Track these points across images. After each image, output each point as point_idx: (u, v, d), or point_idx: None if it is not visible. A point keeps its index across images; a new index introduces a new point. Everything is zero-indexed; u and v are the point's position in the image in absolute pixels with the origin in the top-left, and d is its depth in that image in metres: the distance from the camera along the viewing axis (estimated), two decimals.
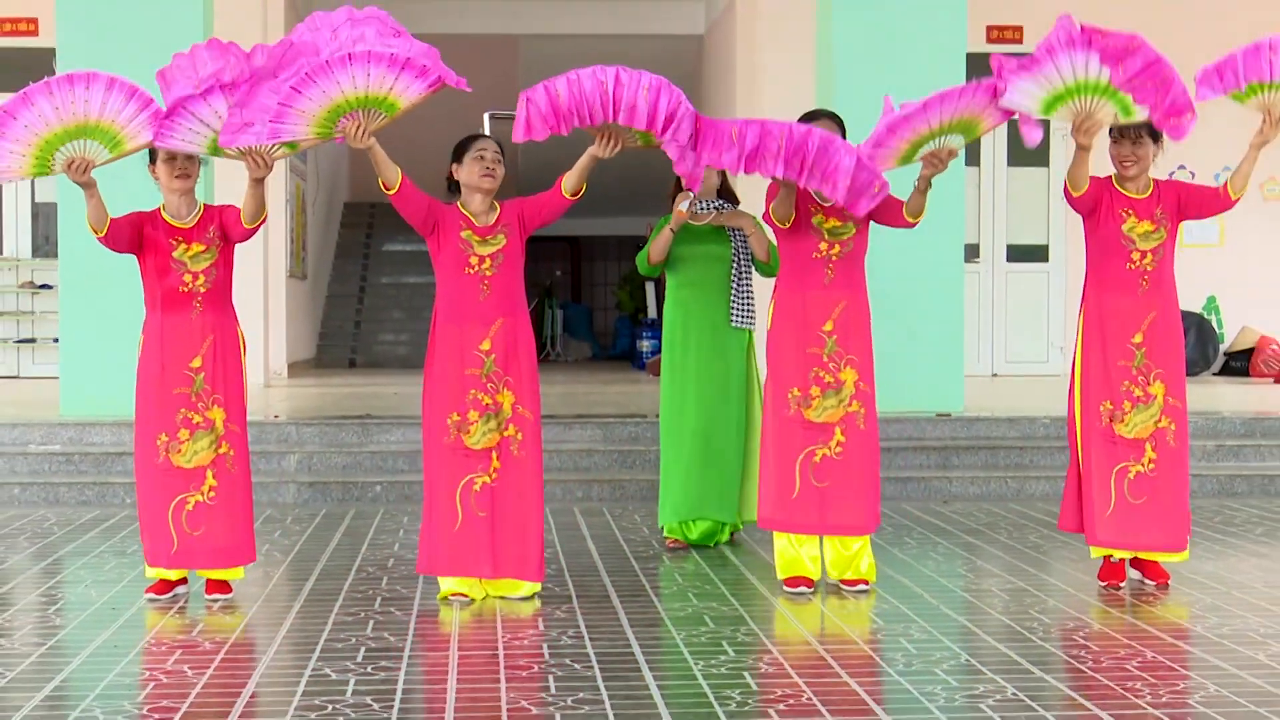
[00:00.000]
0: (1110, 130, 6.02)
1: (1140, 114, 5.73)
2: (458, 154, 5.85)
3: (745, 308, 7.02)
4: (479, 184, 5.78)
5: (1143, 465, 6.00)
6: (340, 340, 19.00)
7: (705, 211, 6.89)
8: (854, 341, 5.99)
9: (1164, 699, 4.34)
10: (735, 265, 6.99)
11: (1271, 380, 14.37)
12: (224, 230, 5.81)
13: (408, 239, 19.22)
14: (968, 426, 9.53)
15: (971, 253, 14.50)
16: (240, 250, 5.98)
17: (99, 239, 5.69)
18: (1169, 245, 6.05)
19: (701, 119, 5.56)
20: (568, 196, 5.79)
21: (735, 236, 7.00)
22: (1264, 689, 4.45)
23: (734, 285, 6.99)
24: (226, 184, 9.18)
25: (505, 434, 5.80)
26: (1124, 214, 6.00)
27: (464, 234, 5.77)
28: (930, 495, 8.79)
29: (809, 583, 5.96)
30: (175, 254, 5.76)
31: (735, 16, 14.92)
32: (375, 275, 20.18)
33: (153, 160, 5.82)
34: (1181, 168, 14.45)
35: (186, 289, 5.79)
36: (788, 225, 5.97)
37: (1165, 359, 6.01)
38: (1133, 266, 6.00)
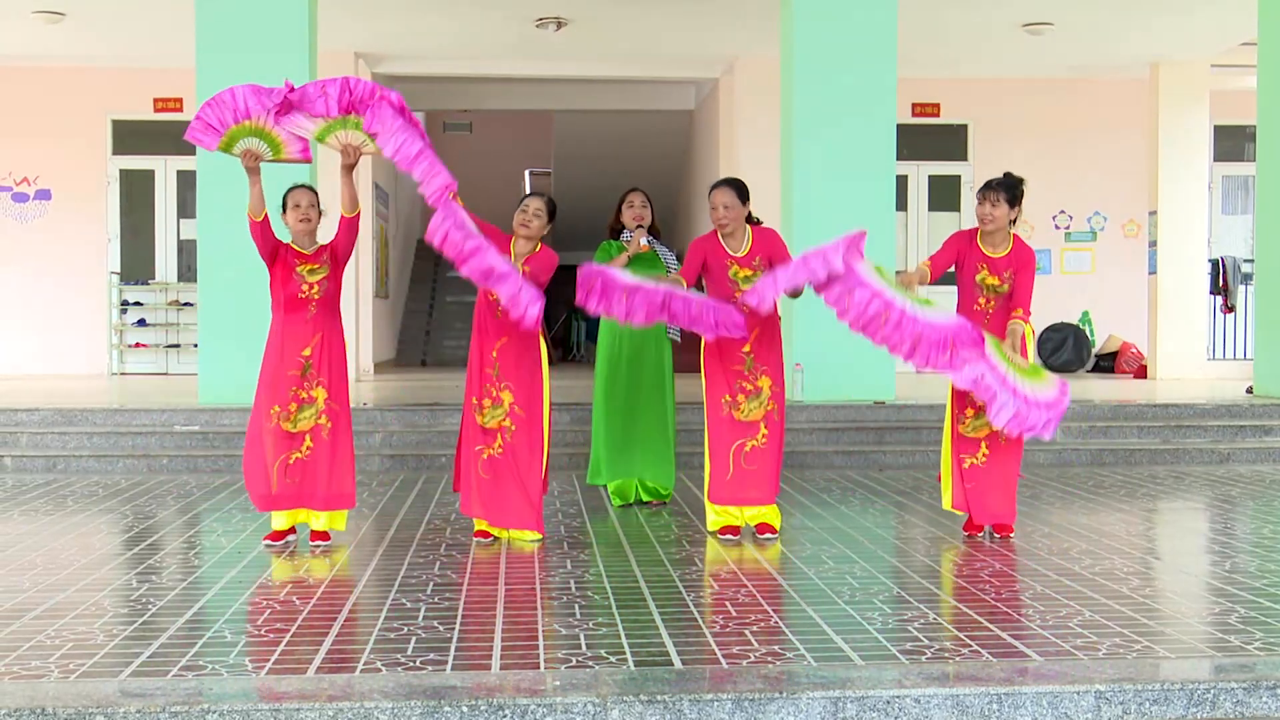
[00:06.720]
0: (977, 192, 5.99)
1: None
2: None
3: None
4: (518, 231, 5.88)
5: (976, 459, 5.92)
6: (414, 345, 18.98)
7: (646, 243, 6.90)
8: (768, 356, 5.92)
9: (1050, 622, 4.32)
10: None
11: (1130, 375, 14.33)
12: (334, 252, 5.77)
13: None
14: (898, 412, 9.49)
15: None
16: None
17: (253, 224, 5.56)
18: (1009, 293, 5.90)
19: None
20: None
21: (669, 264, 6.97)
22: (1126, 614, 4.42)
23: None
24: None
25: (503, 424, 5.81)
26: (979, 266, 5.95)
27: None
28: (869, 464, 8.75)
29: (736, 530, 5.96)
30: (298, 269, 5.73)
31: (718, 96, 14.90)
32: (441, 296, 20.20)
33: (285, 209, 5.78)
34: (1062, 212, 14.43)
35: (304, 295, 5.75)
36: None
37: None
38: (979, 308, 5.94)
